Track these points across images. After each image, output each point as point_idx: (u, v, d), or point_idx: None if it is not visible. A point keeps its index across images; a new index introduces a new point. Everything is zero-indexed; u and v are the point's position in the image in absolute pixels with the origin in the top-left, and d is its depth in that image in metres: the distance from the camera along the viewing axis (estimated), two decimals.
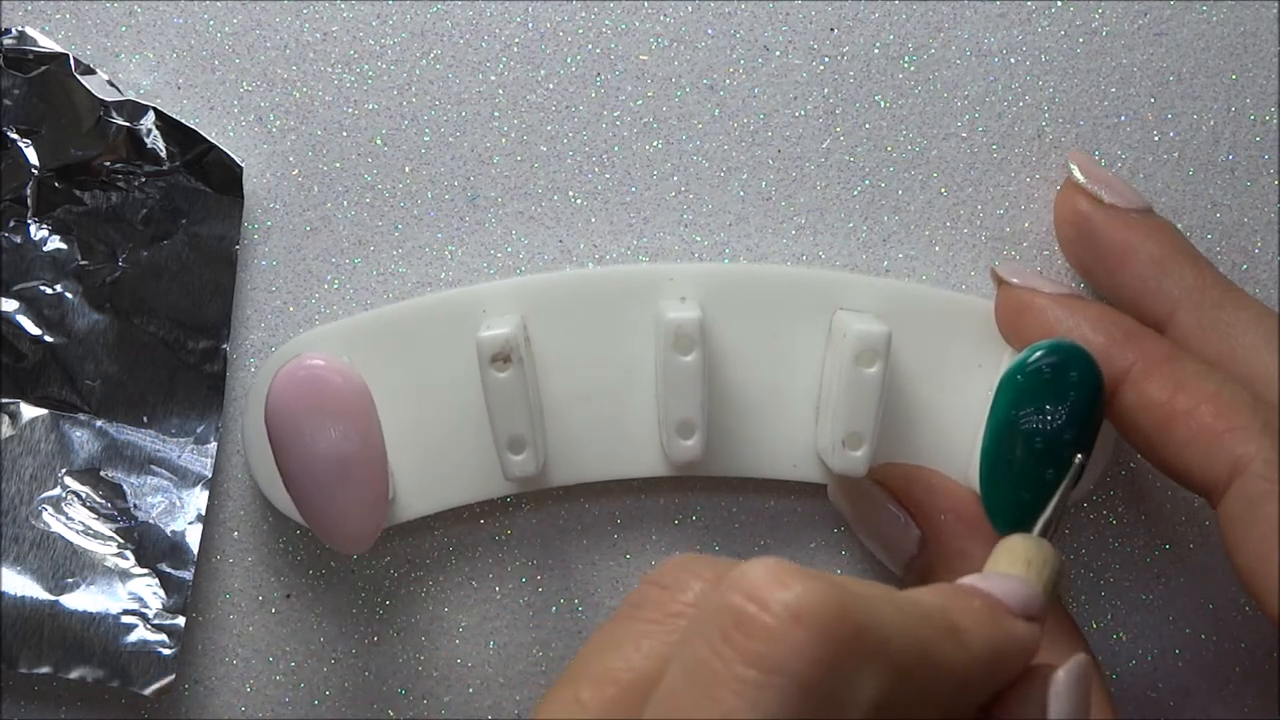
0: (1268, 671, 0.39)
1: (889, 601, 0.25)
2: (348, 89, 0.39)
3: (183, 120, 0.38)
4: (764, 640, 0.22)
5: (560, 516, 0.39)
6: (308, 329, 0.39)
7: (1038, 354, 0.33)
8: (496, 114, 0.39)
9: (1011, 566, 0.29)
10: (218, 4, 0.39)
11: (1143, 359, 0.33)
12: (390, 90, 0.39)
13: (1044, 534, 0.31)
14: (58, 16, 0.39)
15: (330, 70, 0.39)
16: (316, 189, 0.39)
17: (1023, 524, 0.34)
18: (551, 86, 0.39)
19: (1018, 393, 0.33)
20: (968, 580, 0.28)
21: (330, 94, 0.39)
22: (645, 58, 0.39)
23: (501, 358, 0.34)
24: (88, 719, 0.39)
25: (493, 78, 0.39)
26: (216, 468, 0.39)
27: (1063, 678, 0.27)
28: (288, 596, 0.40)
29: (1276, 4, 0.38)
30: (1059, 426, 0.33)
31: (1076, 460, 0.33)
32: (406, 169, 0.39)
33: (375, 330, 0.38)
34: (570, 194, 0.39)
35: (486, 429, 0.35)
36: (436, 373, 0.37)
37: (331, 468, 0.34)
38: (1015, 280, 0.36)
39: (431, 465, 0.38)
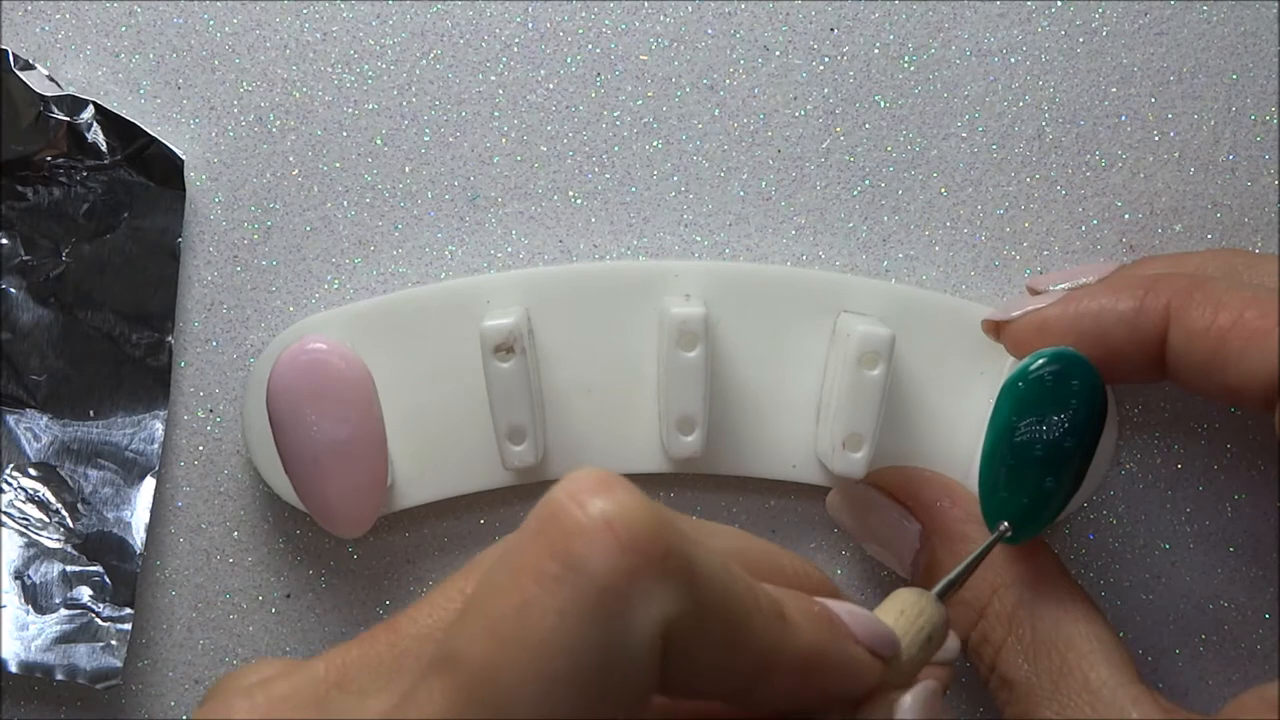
0: (1268, 671, 0.39)
1: (714, 554, 0.25)
2: (348, 89, 0.39)
3: (125, 115, 0.38)
4: (572, 537, 0.23)
5: None
6: None
7: (1039, 361, 0.33)
8: (496, 114, 0.39)
9: (885, 611, 0.30)
10: (218, 4, 0.39)
11: (1173, 299, 0.32)
12: (390, 90, 0.39)
13: (943, 592, 0.31)
14: (58, 16, 0.39)
15: (330, 70, 0.39)
16: (316, 189, 0.39)
17: (1022, 531, 0.34)
18: (551, 86, 0.39)
19: (1019, 400, 0.33)
20: (823, 601, 0.29)
21: (330, 94, 0.39)
22: (645, 58, 0.39)
23: (504, 348, 0.34)
24: (87, 718, 0.39)
25: (493, 78, 0.39)
26: (215, 467, 0.39)
27: (909, 701, 0.28)
28: (287, 596, 0.40)
29: (1276, 4, 0.38)
30: (1060, 434, 0.32)
31: (1002, 528, 0.33)
32: (406, 169, 0.39)
33: (379, 318, 0.38)
34: (570, 194, 0.39)
35: (488, 419, 0.36)
36: (439, 362, 0.37)
37: (331, 450, 0.34)
38: (1015, 313, 0.35)
39: (432, 453, 0.38)
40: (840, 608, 0.28)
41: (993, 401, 0.34)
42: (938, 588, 0.31)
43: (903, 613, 0.30)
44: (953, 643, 0.34)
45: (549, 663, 0.23)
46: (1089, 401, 0.32)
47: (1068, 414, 0.32)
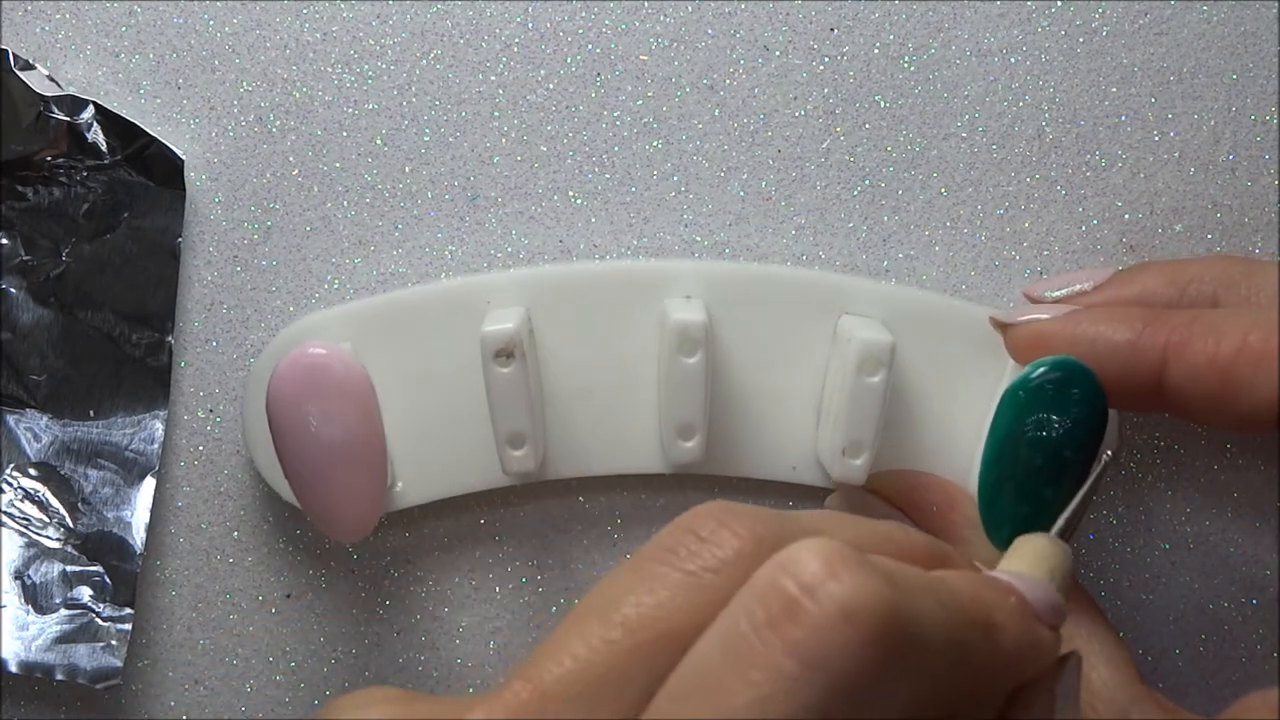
0: (1268, 671, 0.39)
1: (932, 594, 0.24)
2: (348, 89, 0.39)
3: (125, 115, 0.38)
4: (811, 634, 0.22)
5: (560, 515, 0.39)
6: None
7: (1041, 370, 0.32)
8: (496, 114, 0.39)
9: (1035, 568, 0.28)
10: (218, 4, 0.39)
11: (1172, 334, 0.32)
12: (390, 90, 0.39)
13: (1063, 536, 0.30)
14: (58, 16, 0.39)
15: (330, 70, 0.39)
16: (316, 189, 0.39)
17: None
18: (551, 86, 0.39)
19: (1019, 409, 0.32)
20: (1002, 575, 0.27)
21: (330, 94, 0.39)
22: (645, 58, 0.39)
23: (505, 353, 0.34)
24: (87, 718, 0.39)
25: (493, 78, 0.39)
26: (215, 466, 0.39)
27: (1064, 677, 0.27)
28: (288, 596, 0.40)
29: (1276, 4, 0.38)
30: (1060, 444, 0.32)
31: (1105, 457, 0.32)
32: (406, 169, 0.39)
33: (379, 317, 0.38)
34: (570, 194, 0.39)
35: (488, 419, 0.35)
36: (440, 361, 0.37)
37: (331, 456, 0.34)
38: (1019, 319, 0.35)
39: (432, 453, 0.38)
40: (1019, 582, 0.26)
41: (993, 405, 0.34)
42: (1056, 528, 0.30)
43: (1053, 571, 0.28)
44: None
45: None
46: (1090, 411, 0.32)
47: (1068, 423, 0.32)
